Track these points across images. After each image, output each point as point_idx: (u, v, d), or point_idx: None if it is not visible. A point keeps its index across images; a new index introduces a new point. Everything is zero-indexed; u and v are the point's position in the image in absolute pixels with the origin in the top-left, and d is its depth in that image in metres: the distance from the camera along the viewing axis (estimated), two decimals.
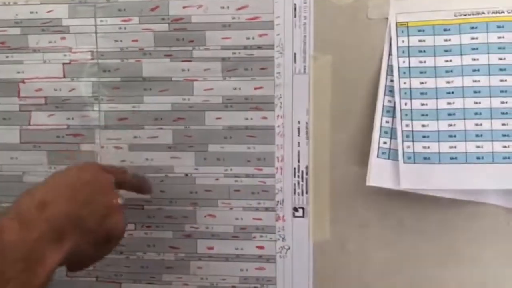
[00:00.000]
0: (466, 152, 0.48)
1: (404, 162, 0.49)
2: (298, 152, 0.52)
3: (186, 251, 0.55)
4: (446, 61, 0.49)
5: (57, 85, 0.54)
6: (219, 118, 0.53)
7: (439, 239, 0.51)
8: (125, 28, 0.53)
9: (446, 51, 0.49)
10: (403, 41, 0.50)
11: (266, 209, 0.53)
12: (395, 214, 0.52)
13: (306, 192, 0.53)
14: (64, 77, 0.54)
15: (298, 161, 0.52)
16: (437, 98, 0.49)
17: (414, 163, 0.49)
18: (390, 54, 0.50)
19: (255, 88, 0.52)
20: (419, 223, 0.52)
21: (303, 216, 0.53)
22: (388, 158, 0.49)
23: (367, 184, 0.49)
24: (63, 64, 0.54)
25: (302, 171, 0.52)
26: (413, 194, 0.50)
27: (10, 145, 0.55)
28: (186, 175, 0.54)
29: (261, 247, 0.54)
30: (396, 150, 0.49)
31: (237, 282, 0.54)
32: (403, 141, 0.49)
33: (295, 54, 0.52)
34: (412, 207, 0.52)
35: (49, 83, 0.54)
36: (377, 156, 0.49)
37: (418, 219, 0.52)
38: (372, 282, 0.53)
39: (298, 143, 0.52)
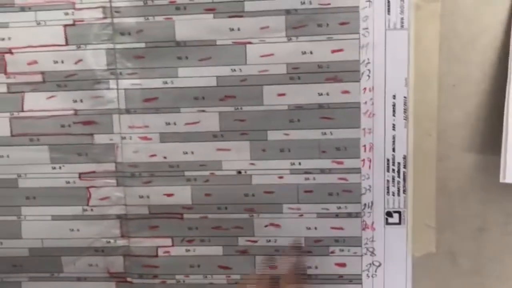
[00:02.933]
0: None
1: None
2: (393, 137, 0.38)
3: (241, 271, 0.41)
4: None
5: (57, 55, 0.39)
6: (283, 94, 0.39)
7: None
8: None
9: None
10: None
11: (349, 214, 0.40)
12: None
13: (404, 192, 0.39)
14: (66, 44, 0.39)
15: (393, 150, 0.39)
16: None
17: None
18: None
19: (333, 51, 0.38)
20: None
21: (399, 223, 0.40)
22: None
23: (502, 181, 0.36)
24: (65, 26, 0.39)
25: (399, 163, 0.39)
26: None
27: None
28: (239, 172, 0.40)
29: (342, 265, 0.41)
30: None
31: None
32: None
33: (388, 1, 0.37)
34: None
35: (46, 54, 0.39)
36: None
37: None
38: None
39: (393, 125, 0.38)
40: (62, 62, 0.39)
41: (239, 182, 0.40)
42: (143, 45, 0.39)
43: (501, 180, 0.36)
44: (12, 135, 0.41)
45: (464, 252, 0.40)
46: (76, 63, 0.39)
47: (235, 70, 0.38)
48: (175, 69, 0.39)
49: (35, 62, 0.39)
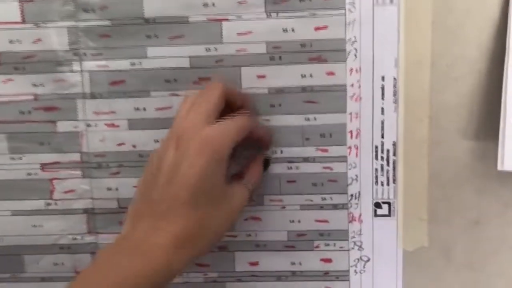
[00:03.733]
0: None
1: None
2: (382, 122, 0.35)
3: (219, 269, 0.38)
4: None
5: (14, 34, 0.36)
6: (262, 76, 0.35)
7: None
8: None
9: None
10: None
11: (335, 206, 0.37)
12: None
13: (394, 181, 0.36)
14: (23, 21, 0.35)
15: (382, 137, 0.36)
16: None
17: None
18: None
19: (316, 29, 0.35)
20: None
21: (389, 215, 0.37)
22: None
23: (500, 168, 0.33)
24: (21, 1, 0.35)
25: (388, 151, 0.36)
26: None
27: None
28: None
29: (327, 260, 0.38)
30: None
31: None
32: None
33: None
34: None
35: (0, 32, 0.36)
36: None
37: None
38: None
39: (382, 109, 0.35)
40: (19, 41, 0.36)
41: None
42: (108, 22, 0.35)
43: (498, 168, 0.33)
44: None
45: (459, 246, 0.37)
46: (34, 42, 0.36)
47: (210, 49, 0.35)
48: (143, 49, 0.35)
49: None
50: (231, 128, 0.31)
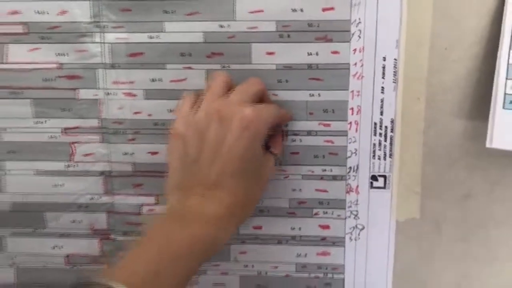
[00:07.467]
0: None
1: None
2: (382, 100, 0.38)
3: None
4: None
5: (40, 5, 0.38)
6: (271, 53, 0.38)
7: None
8: None
9: None
10: None
11: (334, 177, 0.40)
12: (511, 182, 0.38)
13: (390, 156, 0.39)
14: None
15: (381, 114, 0.38)
16: None
17: None
18: None
19: (324, 10, 0.37)
20: None
21: (384, 187, 0.39)
22: None
23: (489, 146, 0.35)
24: None
25: (386, 127, 0.38)
26: None
27: None
28: None
29: (325, 227, 0.41)
30: None
31: (292, 270, 0.41)
32: None
33: None
34: None
35: (28, 3, 0.38)
36: (503, 107, 0.35)
37: None
38: (476, 274, 0.40)
39: (382, 88, 0.38)
40: (45, 13, 0.38)
41: None
42: None
43: (487, 145, 0.35)
44: None
45: (449, 218, 0.39)
46: (60, 14, 0.38)
47: (223, 26, 0.37)
48: (161, 24, 0.38)
49: (16, 12, 0.38)
50: (267, 111, 0.34)
